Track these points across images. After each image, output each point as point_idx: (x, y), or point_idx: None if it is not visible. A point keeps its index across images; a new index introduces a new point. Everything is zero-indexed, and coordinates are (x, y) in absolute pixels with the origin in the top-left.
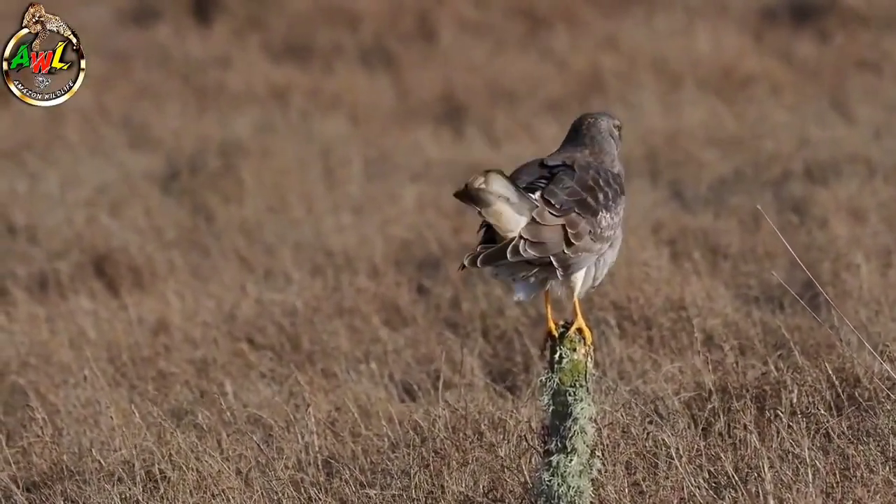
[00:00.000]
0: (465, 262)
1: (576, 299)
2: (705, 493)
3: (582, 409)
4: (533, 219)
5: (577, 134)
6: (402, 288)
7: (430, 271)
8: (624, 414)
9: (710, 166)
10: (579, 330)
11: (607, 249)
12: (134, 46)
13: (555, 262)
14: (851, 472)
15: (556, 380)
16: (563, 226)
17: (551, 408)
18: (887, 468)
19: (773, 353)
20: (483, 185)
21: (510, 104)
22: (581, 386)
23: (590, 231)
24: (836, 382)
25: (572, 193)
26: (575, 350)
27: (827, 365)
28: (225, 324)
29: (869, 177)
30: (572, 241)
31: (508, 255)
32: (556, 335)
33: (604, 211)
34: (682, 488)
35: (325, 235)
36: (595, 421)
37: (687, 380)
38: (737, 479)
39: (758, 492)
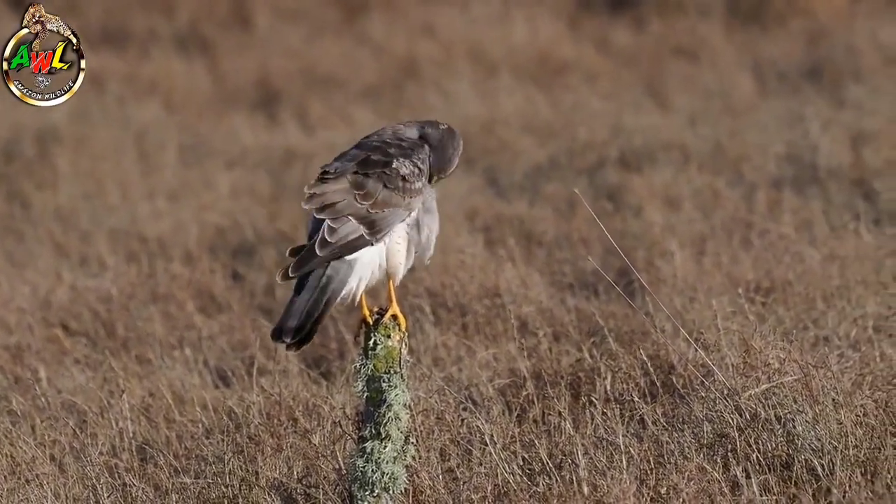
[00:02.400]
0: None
1: (391, 286)
2: (520, 480)
3: (396, 395)
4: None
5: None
6: (216, 274)
7: (244, 258)
8: (438, 400)
9: (525, 154)
10: (394, 317)
11: (424, 214)
12: None
13: (358, 224)
14: (665, 458)
15: (371, 366)
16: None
17: (366, 394)
18: (701, 455)
19: (587, 340)
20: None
21: (326, 90)
22: (395, 373)
23: (384, 184)
24: (651, 369)
25: (352, 157)
26: (389, 337)
27: (641, 352)
28: (40, 310)
29: (684, 164)
30: (362, 200)
31: (318, 251)
32: (371, 322)
33: (400, 159)
34: (497, 475)
35: (140, 222)
36: (409, 407)
37: (501, 367)
38: (551, 465)
39: (572, 478)
